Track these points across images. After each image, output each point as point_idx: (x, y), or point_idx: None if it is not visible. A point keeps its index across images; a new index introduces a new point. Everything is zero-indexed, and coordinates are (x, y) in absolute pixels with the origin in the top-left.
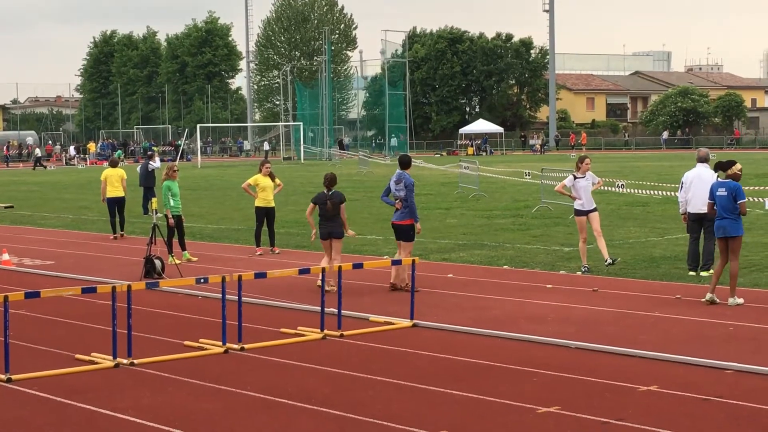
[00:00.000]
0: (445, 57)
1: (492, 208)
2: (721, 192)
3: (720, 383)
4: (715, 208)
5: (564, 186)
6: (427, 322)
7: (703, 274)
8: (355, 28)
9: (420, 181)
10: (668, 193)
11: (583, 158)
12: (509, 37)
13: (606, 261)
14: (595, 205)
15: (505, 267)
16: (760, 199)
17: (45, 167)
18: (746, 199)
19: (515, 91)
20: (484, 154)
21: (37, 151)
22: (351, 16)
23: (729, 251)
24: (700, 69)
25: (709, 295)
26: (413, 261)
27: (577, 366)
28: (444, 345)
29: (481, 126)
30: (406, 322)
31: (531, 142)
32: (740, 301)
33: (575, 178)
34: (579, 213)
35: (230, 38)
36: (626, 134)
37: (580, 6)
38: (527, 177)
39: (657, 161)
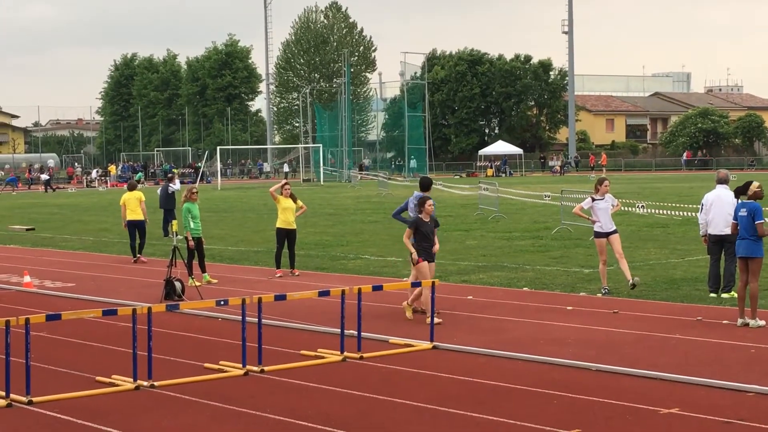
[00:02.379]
0: (464, 79)
1: (512, 230)
2: (742, 212)
3: (742, 406)
4: (738, 228)
5: (581, 208)
6: (447, 344)
7: (725, 296)
8: (375, 50)
9: (440, 202)
10: (688, 214)
11: (602, 180)
12: (528, 58)
13: (629, 282)
14: (615, 227)
15: (524, 289)
16: None
17: (54, 189)
18: (765, 220)
19: (534, 112)
20: (503, 175)
21: (43, 177)
22: (370, 38)
23: (749, 272)
24: (720, 90)
25: (740, 320)
26: (433, 283)
27: (598, 388)
28: (464, 367)
29: (501, 147)
30: (426, 344)
31: (550, 163)
32: (762, 323)
33: (593, 200)
34: (599, 235)
35: (250, 60)
36: (648, 147)
37: (599, 27)
38: (547, 198)
39: (677, 182)
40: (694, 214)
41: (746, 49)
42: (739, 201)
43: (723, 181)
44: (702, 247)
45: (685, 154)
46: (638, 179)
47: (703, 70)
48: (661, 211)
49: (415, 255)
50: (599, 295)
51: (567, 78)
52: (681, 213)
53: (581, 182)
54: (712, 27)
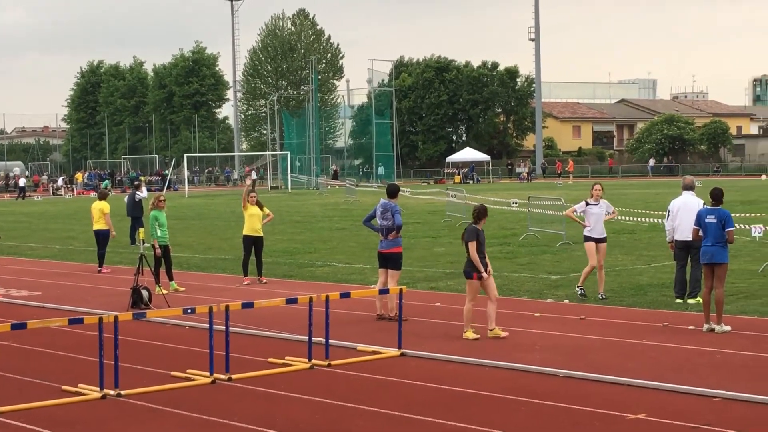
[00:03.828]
0: (432, 86)
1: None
2: (711, 219)
3: (708, 411)
4: (700, 234)
5: (574, 211)
6: (415, 351)
7: (690, 301)
8: (342, 57)
9: (407, 209)
10: (655, 220)
11: (594, 184)
12: (495, 65)
13: (599, 295)
14: (605, 236)
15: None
16: (747, 226)
17: (23, 197)
18: (735, 227)
19: (502, 119)
20: (471, 182)
21: (22, 181)
22: (338, 45)
23: (715, 278)
24: (686, 97)
25: (706, 326)
26: (401, 290)
27: (565, 394)
28: (432, 374)
29: (468, 154)
30: (394, 352)
31: (518, 170)
32: (727, 328)
33: (588, 204)
34: (588, 239)
35: (217, 68)
36: (615, 154)
37: (566, 35)
38: (514, 205)
39: (643, 189)
40: (660, 220)
41: (711, 56)
42: (705, 207)
43: (689, 187)
44: (668, 253)
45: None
46: (605, 186)
47: (668, 77)
48: (627, 218)
49: (488, 270)
50: (577, 290)
51: (534, 85)
52: (647, 219)
53: (548, 189)
54: (677, 34)
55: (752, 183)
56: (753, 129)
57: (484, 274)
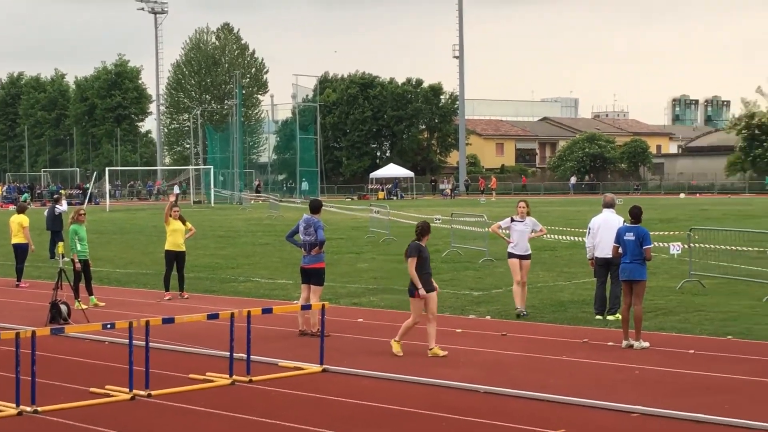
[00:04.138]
0: (356, 102)
1: (402, 253)
2: (629, 236)
3: (627, 427)
4: (620, 251)
5: (499, 226)
6: (337, 367)
7: (610, 318)
8: (267, 72)
9: (331, 225)
10: (576, 237)
11: (519, 201)
12: (419, 82)
13: (520, 311)
14: (529, 252)
15: None
16: (665, 244)
17: None
18: (652, 245)
19: (425, 136)
20: (394, 198)
21: None
22: (262, 60)
23: (633, 295)
24: (607, 115)
25: (625, 342)
26: (323, 306)
27: (486, 410)
28: (354, 390)
29: (392, 170)
30: (316, 367)
31: (441, 186)
32: (646, 344)
33: (513, 220)
34: (511, 255)
35: (140, 81)
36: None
37: (490, 53)
38: (437, 221)
39: (565, 206)
40: (581, 237)
41: (632, 75)
42: (625, 225)
43: (609, 205)
44: (589, 270)
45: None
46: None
47: (590, 96)
48: (549, 235)
49: (422, 291)
50: (519, 311)
51: (458, 102)
52: (568, 236)
53: (471, 205)
54: (599, 53)
55: (671, 201)
56: (672, 148)
57: (422, 292)
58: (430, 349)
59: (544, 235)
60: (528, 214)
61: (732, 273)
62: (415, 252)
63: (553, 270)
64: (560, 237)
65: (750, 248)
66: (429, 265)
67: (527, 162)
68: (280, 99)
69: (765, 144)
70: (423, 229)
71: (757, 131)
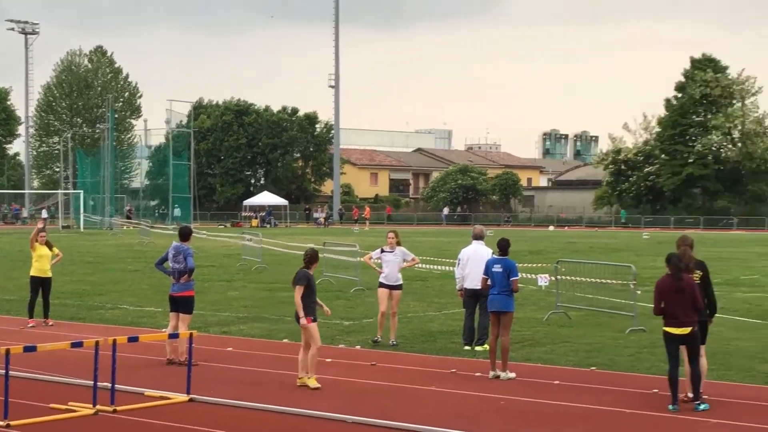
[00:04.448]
0: (231, 129)
1: (274, 281)
2: (497, 268)
3: None
4: (489, 283)
5: (370, 257)
6: (204, 396)
7: (478, 348)
8: (140, 96)
9: (202, 252)
10: (447, 268)
11: (388, 232)
12: (295, 110)
13: (391, 341)
14: (400, 283)
15: (285, 340)
16: (534, 275)
17: None
18: (519, 276)
19: (300, 164)
20: (268, 226)
21: None
22: (136, 84)
23: (501, 326)
24: (480, 148)
25: (492, 373)
26: (191, 334)
27: None
28: (221, 420)
29: (266, 198)
30: (182, 397)
31: (315, 215)
32: (512, 375)
33: (383, 251)
34: (381, 285)
35: (9, 102)
36: (410, 202)
37: (366, 83)
38: None
39: (437, 236)
40: (452, 268)
41: (504, 109)
42: (493, 256)
43: (478, 237)
44: (458, 301)
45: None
46: (400, 233)
47: (463, 128)
48: (420, 265)
49: (303, 320)
50: (377, 339)
51: (333, 131)
52: (439, 267)
53: (345, 235)
54: (472, 87)
55: (540, 233)
56: (542, 181)
57: (303, 321)
58: (300, 378)
59: (417, 265)
60: (398, 244)
61: (597, 305)
62: (304, 280)
63: (424, 300)
64: (432, 267)
65: (614, 281)
66: (315, 293)
67: (401, 192)
68: (154, 124)
69: (631, 179)
70: (311, 257)
71: (623, 166)
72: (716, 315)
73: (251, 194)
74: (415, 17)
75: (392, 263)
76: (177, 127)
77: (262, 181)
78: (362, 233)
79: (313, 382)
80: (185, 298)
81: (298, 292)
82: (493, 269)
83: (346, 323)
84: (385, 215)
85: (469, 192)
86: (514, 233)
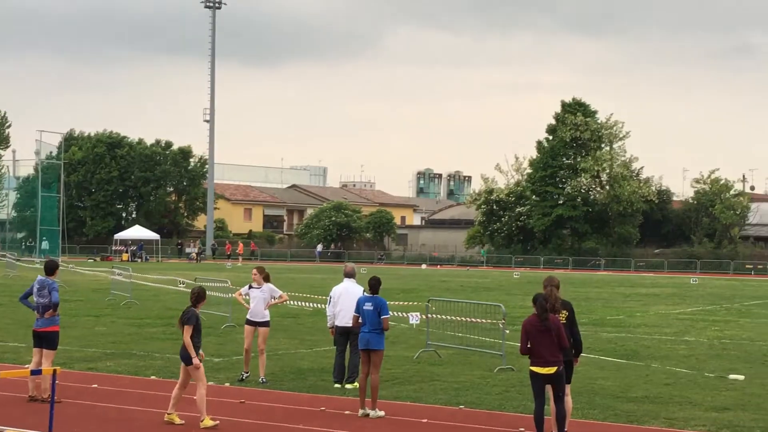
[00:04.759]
0: (103, 161)
1: (143, 317)
2: (368, 307)
3: None
4: (360, 321)
5: (240, 294)
6: None
7: (348, 386)
8: (9, 126)
9: (71, 286)
10: (319, 305)
11: (253, 269)
12: (169, 144)
13: (260, 379)
14: (266, 320)
15: (152, 377)
16: (405, 314)
17: None
18: (390, 314)
19: (173, 198)
20: (139, 260)
21: None
22: (5, 114)
23: (371, 364)
24: (354, 185)
25: (361, 411)
26: (54, 371)
27: None
28: None
29: (137, 232)
30: None
31: (187, 250)
32: (381, 413)
33: (251, 287)
34: (248, 322)
35: None
36: (285, 238)
37: (241, 118)
38: (181, 285)
39: (311, 273)
40: (324, 305)
41: (379, 147)
42: (364, 294)
43: (350, 275)
44: (329, 338)
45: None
46: (274, 269)
47: (338, 166)
48: (293, 302)
49: (196, 360)
50: (242, 376)
51: (207, 166)
52: (311, 304)
53: (217, 270)
54: (349, 124)
55: (413, 272)
56: (416, 220)
57: (195, 360)
58: (169, 414)
59: (287, 302)
60: (267, 280)
61: (467, 344)
62: (193, 320)
63: (295, 337)
64: (304, 304)
65: (484, 320)
66: (201, 333)
67: (275, 228)
68: (23, 155)
69: (502, 219)
70: (198, 296)
71: (495, 207)
72: (582, 354)
73: (122, 228)
74: (293, 55)
75: (258, 300)
76: (47, 159)
77: (133, 215)
78: (235, 269)
79: (207, 422)
80: (49, 334)
81: (187, 332)
82: (364, 307)
83: (216, 360)
84: (255, 251)
85: (343, 229)
86: (388, 271)
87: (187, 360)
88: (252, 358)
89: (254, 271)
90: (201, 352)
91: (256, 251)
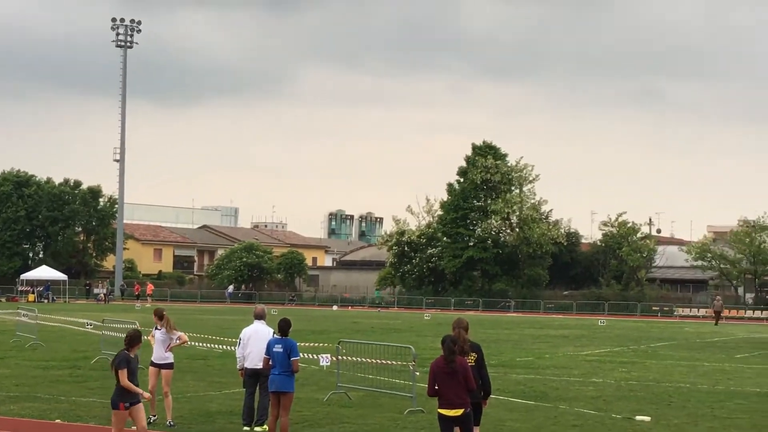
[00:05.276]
0: (9, 200)
1: (49, 359)
2: (278, 348)
3: None
4: (270, 363)
5: (152, 335)
6: None
7: (257, 429)
8: None
9: None
10: (229, 347)
11: (154, 309)
12: (78, 183)
13: (168, 422)
14: (169, 362)
15: (57, 421)
16: (316, 355)
17: None
18: (301, 356)
19: (82, 238)
20: (45, 301)
21: None
22: None
23: (281, 406)
24: (266, 226)
25: None
26: None
27: None
28: None
29: (44, 272)
30: None
31: (95, 291)
32: None
33: (156, 329)
34: (152, 364)
35: None
36: (195, 279)
37: (152, 158)
38: (89, 327)
39: (221, 315)
40: (233, 347)
41: (291, 188)
42: (274, 336)
43: (260, 316)
44: (239, 380)
45: (230, 287)
46: (183, 310)
47: (250, 206)
48: (201, 344)
49: (146, 394)
50: (151, 419)
51: (117, 205)
52: (221, 346)
53: (126, 311)
54: (260, 164)
55: (324, 313)
56: (327, 261)
57: (145, 396)
58: None
59: (187, 344)
60: (164, 321)
61: (377, 386)
62: (124, 363)
63: (204, 379)
64: (213, 346)
65: (395, 362)
66: (136, 376)
67: (185, 269)
68: None
69: (414, 260)
70: (132, 338)
71: (406, 248)
72: (491, 396)
73: (29, 268)
74: (205, 95)
75: (161, 341)
76: None
77: (40, 255)
78: (144, 310)
79: None
80: None
81: (123, 375)
82: (274, 349)
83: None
84: (170, 292)
85: (254, 270)
86: (299, 312)
87: (114, 404)
88: (159, 401)
89: (155, 312)
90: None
91: (163, 292)
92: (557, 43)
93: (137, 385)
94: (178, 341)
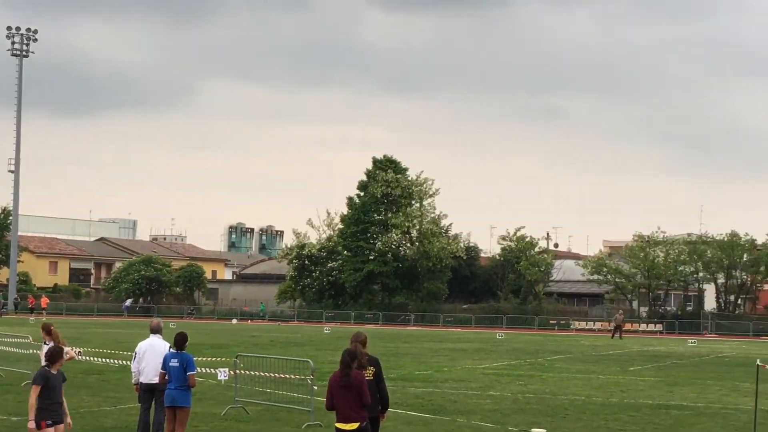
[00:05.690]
0: None
1: None
2: (174, 363)
3: None
4: (167, 377)
5: (41, 350)
6: None
7: None
8: None
9: None
10: (125, 361)
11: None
12: None
13: None
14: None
15: None
16: (214, 369)
17: None
18: (197, 370)
19: None
20: None
21: None
22: None
23: (177, 421)
24: (165, 239)
25: None
26: None
27: None
28: None
29: None
30: None
31: None
32: None
33: (45, 343)
34: None
35: None
36: (92, 292)
37: (48, 170)
38: None
39: (118, 329)
40: (129, 361)
41: (191, 200)
42: (171, 351)
43: (156, 330)
44: (135, 395)
45: (128, 301)
46: (79, 324)
47: (149, 219)
48: (97, 358)
49: (32, 423)
50: None
51: (11, 217)
52: (117, 360)
53: (20, 325)
54: (159, 176)
55: (223, 327)
56: (227, 274)
57: (30, 425)
58: None
59: (80, 358)
60: (51, 335)
61: (275, 400)
62: (40, 380)
63: (99, 395)
64: (108, 361)
65: (293, 375)
66: (60, 393)
67: (82, 282)
68: None
69: (314, 274)
70: (53, 355)
71: (307, 261)
72: (389, 410)
73: None
74: (103, 105)
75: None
76: None
77: None
78: (38, 323)
79: None
80: None
81: (34, 392)
82: (170, 364)
83: (14, 419)
84: (66, 306)
85: (152, 283)
86: (198, 326)
87: (38, 423)
88: None
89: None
90: (68, 420)
91: (59, 305)
92: (458, 57)
93: (63, 403)
94: (67, 356)
